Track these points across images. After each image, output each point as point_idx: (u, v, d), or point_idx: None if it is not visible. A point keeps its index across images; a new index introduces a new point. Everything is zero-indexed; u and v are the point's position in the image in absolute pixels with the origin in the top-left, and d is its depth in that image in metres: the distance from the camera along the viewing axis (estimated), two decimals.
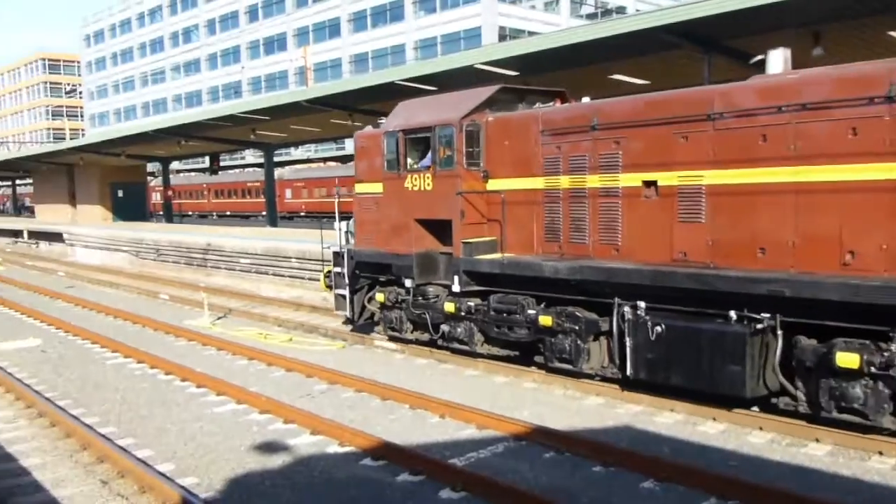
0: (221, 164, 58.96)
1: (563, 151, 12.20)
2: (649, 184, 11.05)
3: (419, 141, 14.05)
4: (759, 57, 10.53)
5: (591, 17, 70.79)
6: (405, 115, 14.56)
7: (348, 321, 16.91)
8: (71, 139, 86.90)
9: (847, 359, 8.88)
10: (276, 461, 9.63)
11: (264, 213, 53.57)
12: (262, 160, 53.28)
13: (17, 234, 54.00)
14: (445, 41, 65.59)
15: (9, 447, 10.44)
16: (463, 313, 13.69)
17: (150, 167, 62.15)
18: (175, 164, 75.93)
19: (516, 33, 63.26)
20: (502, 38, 62.05)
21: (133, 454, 9.82)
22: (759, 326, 9.62)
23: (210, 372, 14.07)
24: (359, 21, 73.65)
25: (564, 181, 12.20)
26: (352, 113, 26.41)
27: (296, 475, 9.16)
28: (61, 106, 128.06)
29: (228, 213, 76.97)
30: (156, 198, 76.20)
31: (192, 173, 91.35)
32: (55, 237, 46.18)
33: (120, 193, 54.58)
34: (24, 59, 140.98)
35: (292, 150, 72.37)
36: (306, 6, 78.16)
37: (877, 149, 8.75)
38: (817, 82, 9.40)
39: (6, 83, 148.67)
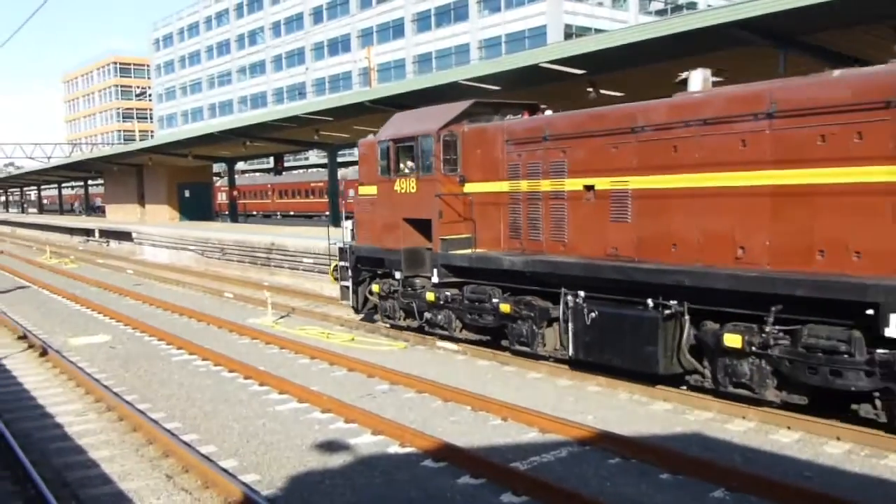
0: (285, 164, 59.92)
1: (523, 159, 13.86)
2: (589, 188, 12.68)
3: (407, 149, 15.76)
4: (684, 75, 11.76)
5: (660, 13, 69.72)
6: (397, 125, 16.46)
7: (355, 310, 18.69)
8: (140, 140, 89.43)
9: (732, 339, 10.43)
10: (337, 460, 9.69)
11: (328, 212, 54.24)
12: (325, 160, 53.93)
13: (88, 233, 55.80)
14: (510, 40, 65.40)
15: (79, 439, 10.75)
16: (442, 302, 15.48)
17: (216, 168, 63.47)
18: (240, 165, 77.45)
19: (582, 31, 62.72)
20: (568, 36, 61.57)
21: (197, 450, 10.01)
22: (669, 312, 11.12)
23: (272, 370, 14.27)
24: (423, 21, 74.00)
25: (524, 185, 13.88)
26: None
27: (356, 475, 9.19)
28: (131, 108, 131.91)
29: (292, 213, 78.13)
30: (221, 198, 77.84)
31: (257, 174, 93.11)
32: (124, 236, 47.57)
33: (187, 193, 55.90)
34: (96, 64, 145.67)
35: (356, 150, 73.03)
36: (370, 7, 78.89)
37: (760, 158, 10.18)
38: (715, 100, 10.90)
39: (80, 87, 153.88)
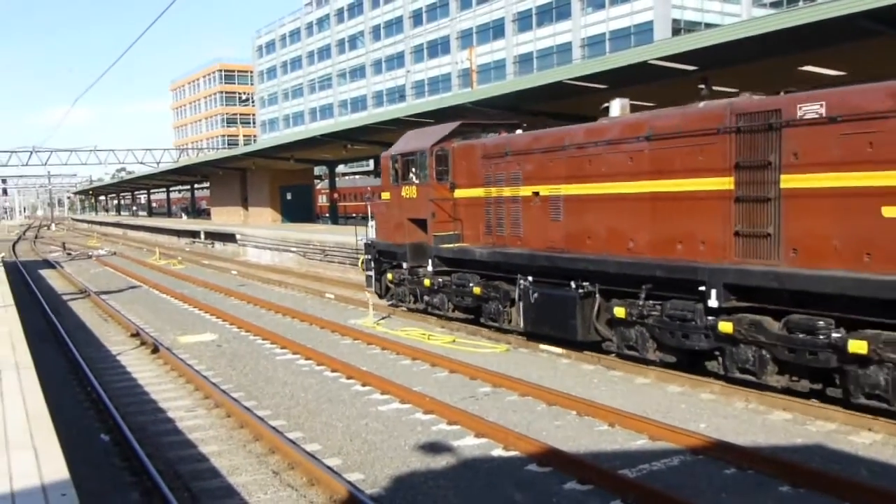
0: None
1: (492, 170, 17.06)
2: (536, 194, 15.88)
3: (411, 161, 19.25)
4: (605, 105, 14.80)
5: (775, 5, 67.41)
6: (404, 142, 20.07)
7: (379, 296, 22.04)
8: (244, 145, 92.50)
9: (619, 311, 13.72)
10: (440, 462, 9.73)
11: None
12: None
13: (194, 235, 58.08)
14: (614, 37, 64.55)
15: (190, 434, 11.17)
16: (437, 287, 18.93)
17: (317, 170, 65.02)
18: (340, 168, 79.02)
19: (691, 26, 61.33)
20: (676, 31, 60.29)
21: (302, 447, 10.24)
22: (583, 291, 14.33)
23: (374, 370, 14.48)
24: (523, 21, 73.86)
25: (493, 191, 17.12)
26: (517, 114, 26.44)
27: (460, 477, 9.20)
28: (235, 114, 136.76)
29: None
30: (322, 200, 79.62)
31: (357, 176, 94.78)
32: (228, 238, 49.28)
33: (288, 196, 57.45)
34: (203, 71, 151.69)
35: None
36: (470, 8, 79.29)
37: (642, 171, 13.17)
38: (614, 126, 14.00)
39: (187, 94, 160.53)
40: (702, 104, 12.63)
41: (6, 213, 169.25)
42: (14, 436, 7.57)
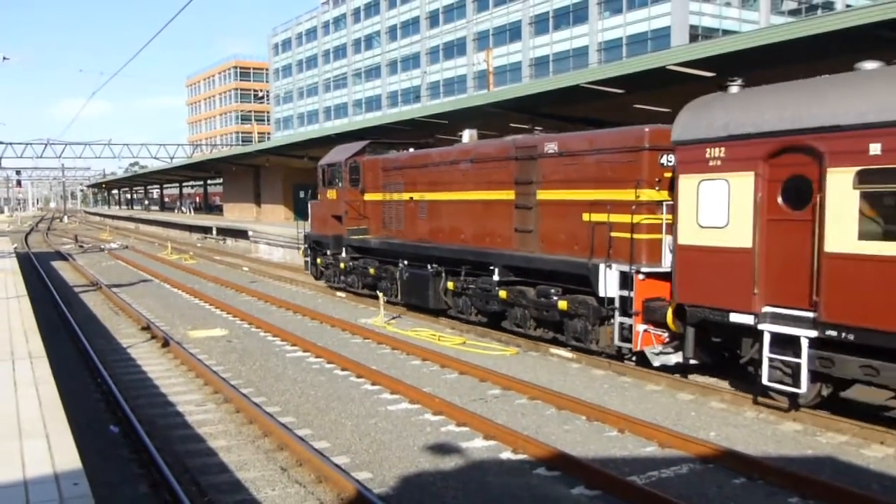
0: None
1: (388, 179, 22.29)
2: (411, 198, 21.08)
3: (335, 170, 24.64)
4: (461, 134, 20.16)
5: (793, 13, 67.16)
6: (331, 155, 25.54)
7: (315, 277, 27.65)
8: (259, 142, 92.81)
9: (450, 285, 19.16)
10: (449, 463, 9.75)
11: None
12: None
13: (206, 230, 58.28)
14: (631, 42, 64.41)
15: (199, 428, 11.22)
16: (349, 269, 24.66)
17: None
18: None
19: (709, 32, 61.12)
20: (693, 37, 60.11)
21: (311, 444, 10.28)
22: (434, 271, 19.64)
23: (384, 370, 14.51)
24: (540, 24, 73.79)
25: (388, 196, 22.32)
26: (532, 117, 26.39)
27: (468, 479, 9.22)
28: (250, 111, 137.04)
29: None
30: None
31: None
32: (240, 234, 49.44)
33: (302, 194, 57.54)
34: (218, 68, 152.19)
35: None
36: (487, 10, 79.30)
37: (469, 183, 18.45)
38: (454, 151, 19.55)
39: (202, 90, 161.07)
40: (506, 138, 18.10)
41: (20, 204, 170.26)
42: (27, 424, 7.64)
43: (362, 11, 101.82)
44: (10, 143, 75.58)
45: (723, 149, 11.77)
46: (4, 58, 36.24)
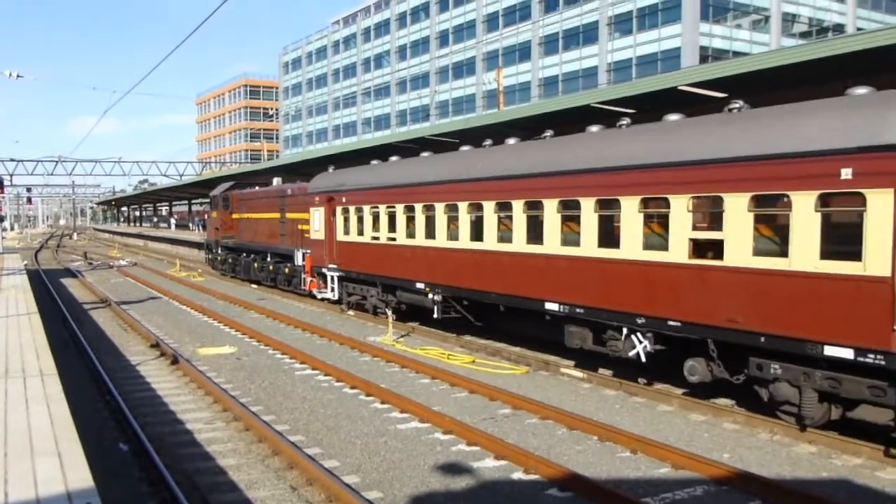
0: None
1: (241, 206, 37.69)
2: (248, 217, 36.72)
3: (218, 199, 40.91)
4: (273, 179, 37.87)
5: (804, 35, 67.27)
6: (216, 189, 42.52)
7: (212, 268, 42.91)
8: (267, 159, 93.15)
9: (255, 265, 36.20)
10: (460, 483, 9.68)
11: None
12: None
13: None
14: (641, 63, 64.58)
15: (208, 446, 11.19)
16: (228, 262, 40.05)
17: None
18: None
19: (719, 54, 61.24)
20: (703, 59, 60.21)
21: (320, 463, 10.23)
22: (250, 258, 36.30)
23: (393, 388, 14.46)
24: (550, 44, 74.10)
25: (241, 215, 37.50)
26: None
27: (479, 499, 9.16)
28: (259, 129, 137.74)
29: None
30: None
31: None
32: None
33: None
34: (228, 86, 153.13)
35: None
36: (497, 30, 79.70)
37: (274, 209, 33.38)
38: (270, 191, 35.44)
39: (212, 108, 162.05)
40: (294, 186, 32.24)
41: (29, 221, 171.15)
42: (39, 443, 7.62)
43: (372, 31, 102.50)
44: (21, 161, 76.12)
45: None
46: (19, 75, 36.61)
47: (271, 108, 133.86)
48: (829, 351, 10.42)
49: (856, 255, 10.18)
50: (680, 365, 12.84)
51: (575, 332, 15.09)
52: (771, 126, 11.67)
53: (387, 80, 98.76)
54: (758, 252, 11.45)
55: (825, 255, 10.57)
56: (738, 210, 11.67)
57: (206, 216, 44.43)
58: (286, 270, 32.03)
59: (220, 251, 41.40)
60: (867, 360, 10.01)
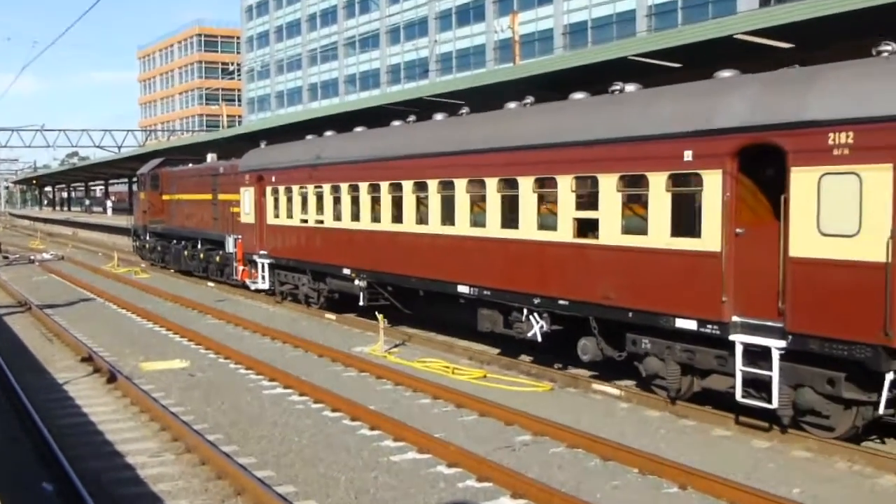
0: None
1: (172, 185, 42.24)
2: (179, 199, 40.95)
3: (147, 177, 45.60)
4: (208, 154, 42.41)
5: None
6: (144, 167, 47.83)
7: (141, 258, 47.88)
8: (228, 127, 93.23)
9: (185, 253, 39.79)
10: None
11: None
12: None
13: None
14: (687, 5, 64.46)
15: (154, 485, 11.22)
16: (157, 249, 44.64)
17: None
18: None
19: None
20: (764, 2, 60.06)
21: None
22: (180, 246, 40.52)
23: (386, 411, 14.51)
24: None
25: (172, 196, 42.00)
26: (569, 96, 26.32)
27: None
28: (217, 89, 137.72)
29: None
30: None
31: None
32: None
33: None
34: (178, 36, 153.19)
35: None
36: None
37: (206, 189, 36.67)
38: (201, 169, 39.52)
39: (158, 63, 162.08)
40: (227, 164, 35.69)
41: None
42: None
43: None
44: None
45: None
46: None
47: (231, 64, 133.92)
48: (680, 323, 13.45)
49: (697, 232, 13.20)
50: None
51: (486, 316, 18.12)
52: (633, 109, 14.82)
53: (375, 27, 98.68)
54: (626, 230, 14.53)
55: (675, 232, 13.60)
56: (609, 190, 14.73)
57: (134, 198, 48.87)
58: (217, 259, 35.22)
59: (148, 238, 45.30)
60: (707, 330, 13.02)
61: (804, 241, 11.78)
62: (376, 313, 21.48)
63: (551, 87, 25.79)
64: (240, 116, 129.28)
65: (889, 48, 11.96)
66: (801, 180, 11.84)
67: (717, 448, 12.54)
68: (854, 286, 11.18)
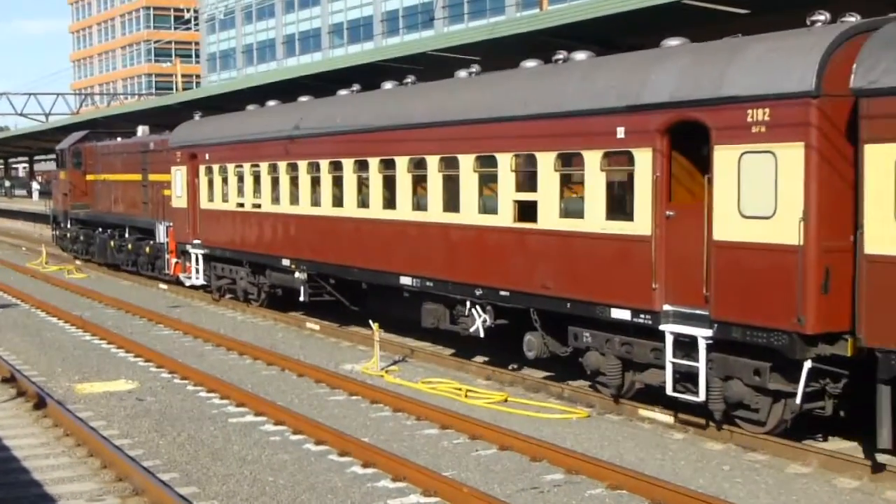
0: None
1: (100, 163, 44.45)
2: (104, 179, 43.62)
3: (67, 153, 47.65)
4: (139, 126, 43.42)
5: None
6: (64, 141, 49.94)
7: (62, 249, 51.22)
8: (183, 90, 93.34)
9: (111, 244, 42.50)
10: None
11: None
12: None
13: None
14: None
15: None
16: (80, 238, 46.98)
17: None
18: None
19: None
20: None
21: None
22: (108, 234, 43.23)
23: (382, 443, 14.57)
24: None
25: (101, 177, 43.99)
26: (604, 49, 26.29)
27: None
28: (169, 42, 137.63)
29: None
30: None
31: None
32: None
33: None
34: None
35: None
36: None
37: (136, 168, 39.28)
38: (129, 143, 42.12)
39: (95, 10, 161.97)
40: (158, 138, 38.38)
41: None
42: None
43: None
44: None
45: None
46: None
47: (187, 10, 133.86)
48: (615, 314, 15.09)
49: (630, 215, 14.74)
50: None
51: (430, 310, 19.90)
52: (572, 81, 16.38)
53: None
54: (564, 213, 16.18)
55: (609, 215, 15.22)
56: (547, 169, 16.31)
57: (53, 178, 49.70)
58: (147, 250, 37.03)
59: (69, 226, 47.45)
60: (640, 320, 14.64)
61: (726, 224, 13.35)
62: (370, 322, 21.55)
63: (591, 39, 25.80)
64: (198, 76, 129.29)
65: (822, 17, 13.23)
66: (724, 159, 13.34)
67: (793, 489, 12.57)
68: (771, 270, 12.89)
